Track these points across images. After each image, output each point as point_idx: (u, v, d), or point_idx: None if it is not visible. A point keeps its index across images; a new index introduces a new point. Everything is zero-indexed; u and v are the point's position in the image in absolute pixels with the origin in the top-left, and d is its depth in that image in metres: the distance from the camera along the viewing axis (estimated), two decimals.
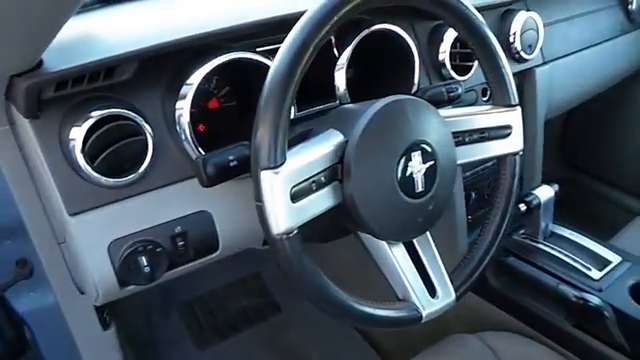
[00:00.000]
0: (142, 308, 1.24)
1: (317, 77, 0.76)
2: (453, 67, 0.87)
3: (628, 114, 1.54)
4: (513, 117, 0.69)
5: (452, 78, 0.87)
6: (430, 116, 0.61)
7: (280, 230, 0.50)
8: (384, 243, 0.61)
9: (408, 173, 0.58)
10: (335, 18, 0.51)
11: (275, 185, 0.49)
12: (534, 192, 0.94)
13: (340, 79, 0.74)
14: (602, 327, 0.84)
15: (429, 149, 0.59)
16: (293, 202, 0.50)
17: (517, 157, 0.70)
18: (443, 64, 0.86)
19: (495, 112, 0.68)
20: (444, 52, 0.85)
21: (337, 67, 0.74)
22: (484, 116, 0.68)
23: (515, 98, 0.68)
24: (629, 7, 1.34)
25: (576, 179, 1.72)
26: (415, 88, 0.80)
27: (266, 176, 0.49)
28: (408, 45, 0.79)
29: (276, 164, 0.49)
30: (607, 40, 1.26)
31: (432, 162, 0.60)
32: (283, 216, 0.50)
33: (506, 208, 0.70)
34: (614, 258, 0.93)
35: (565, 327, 0.89)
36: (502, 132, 0.68)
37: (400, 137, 0.57)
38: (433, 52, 0.86)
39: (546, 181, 1.00)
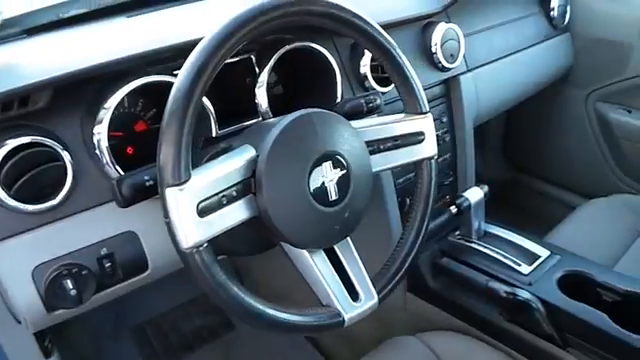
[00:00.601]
0: (91, 334, 1.23)
1: (240, 95, 0.79)
2: (376, 79, 0.90)
3: (560, 114, 1.61)
4: (425, 124, 0.72)
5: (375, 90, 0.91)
6: (339, 127, 0.64)
7: (189, 244, 0.51)
8: (304, 252, 0.63)
9: (320, 183, 0.60)
10: (233, 40, 0.53)
11: (180, 201, 0.51)
12: (464, 194, 0.98)
13: (261, 96, 0.77)
14: (532, 320, 0.88)
15: (340, 159, 0.62)
16: (201, 217, 0.52)
17: (432, 162, 0.73)
18: (365, 77, 0.90)
19: (407, 120, 0.72)
20: (365, 65, 0.89)
21: (258, 84, 0.77)
22: (397, 124, 0.71)
23: (425, 106, 0.71)
24: (551, 14, 1.41)
25: (519, 178, 1.79)
26: (338, 101, 0.84)
27: (171, 193, 0.51)
28: (329, 61, 0.83)
29: (180, 181, 0.51)
30: (532, 46, 1.33)
31: (344, 171, 0.62)
32: (191, 231, 0.51)
33: (425, 211, 0.73)
34: (543, 252, 0.97)
35: (500, 322, 0.93)
36: (415, 139, 0.72)
37: (309, 149, 0.60)
38: (355, 66, 0.90)
39: (478, 183, 1.04)
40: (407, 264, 0.71)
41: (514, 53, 1.26)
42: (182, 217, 0.51)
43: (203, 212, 0.52)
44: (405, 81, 0.69)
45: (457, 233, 1.03)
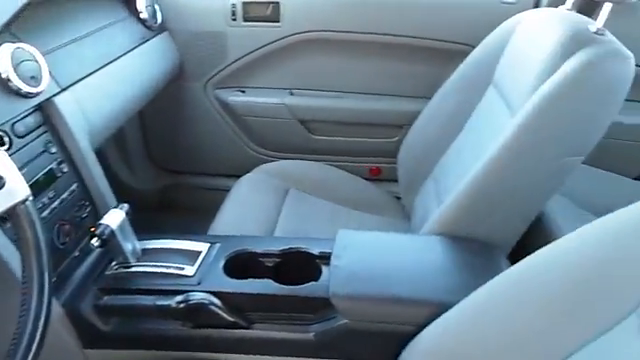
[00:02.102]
0: None
1: None
2: None
3: (188, 108, 1.66)
4: None
5: None
6: None
7: None
8: None
9: None
10: None
11: None
12: (102, 222, 0.89)
13: None
14: (213, 315, 0.86)
15: None
16: None
17: (28, 204, 0.62)
18: None
19: None
20: None
21: None
22: None
23: None
24: (141, 16, 1.41)
25: (173, 179, 1.80)
26: None
27: None
28: None
29: None
30: (131, 50, 1.30)
31: None
32: None
33: (40, 263, 0.61)
34: (203, 247, 0.97)
35: (188, 333, 0.89)
36: None
37: None
38: None
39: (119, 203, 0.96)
40: (39, 333, 0.59)
41: (113, 61, 1.20)
42: None
43: None
44: None
45: (114, 264, 0.94)
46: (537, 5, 1.45)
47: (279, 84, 1.63)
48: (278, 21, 1.52)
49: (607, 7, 0.94)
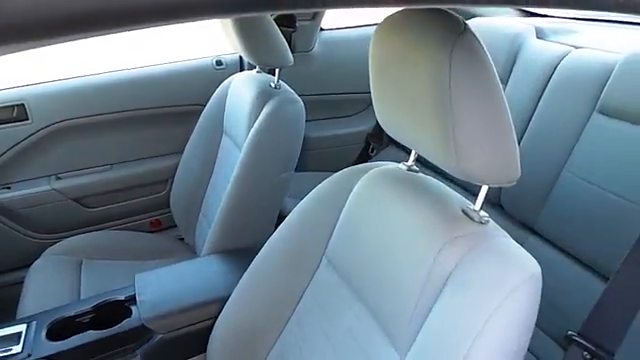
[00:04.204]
0: None
1: None
2: None
3: None
4: None
5: None
6: None
7: None
8: None
9: None
10: None
11: None
12: None
13: None
14: None
15: None
16: None
17: None
18: None
19: None
20: None
21: None
22: None
23: None
24: None
25: None
26: None
27: None
28: None
29: None
30: None
31: None
32: None
33: None
34: (21, 327, 1.10)
35: None
36: None
37: None
38: None
39: None
40: None
41: None
42: None
43: None
44: None
45: None
46: (242, 68, 1.91)
47: (44, 172, 1.77)
48: (27, 119, 1.67)
49: (278, 69, 1.41)
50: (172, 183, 1.76)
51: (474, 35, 0.63)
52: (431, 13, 0.66)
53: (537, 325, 0.68)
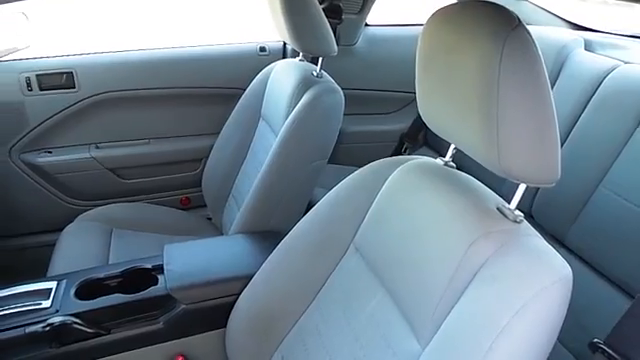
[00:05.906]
0: None
1: None
2: None
3: None
4: None
5: None
6: None
7: None
8: None
9: None
10: None
11: None
12: None
13: None
14: (76, 332, 1.06)
15: None
16: None
17: None
18: None
19: None
20: None
21: None
22: None
23: None
24: None
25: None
26: None
27: None
28: None
29: None
30: None
31: None
32: None
33: None
34: (51, 284, 1.14)
35: (56, 353, 1.07)
36: None
37: None
38: None
39: None
40: None
41: None
42: None
43: None
44: None
45: None
46: (284, 56, 1.93)
47: (85, 140, 1.83)
48: (74, 87, 1.73)
49: (321, 58, 1.42)
50: (206, 162, 1.79)
51: (527, 31, 0.63)
52: (485, 6, 0.66)
53: (559, 339, 0.67)
